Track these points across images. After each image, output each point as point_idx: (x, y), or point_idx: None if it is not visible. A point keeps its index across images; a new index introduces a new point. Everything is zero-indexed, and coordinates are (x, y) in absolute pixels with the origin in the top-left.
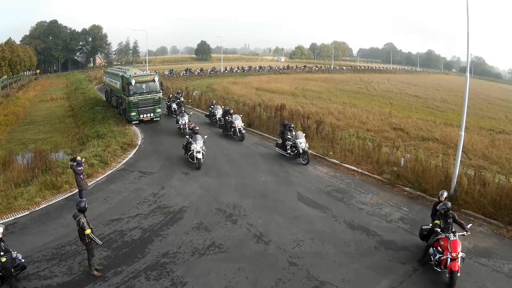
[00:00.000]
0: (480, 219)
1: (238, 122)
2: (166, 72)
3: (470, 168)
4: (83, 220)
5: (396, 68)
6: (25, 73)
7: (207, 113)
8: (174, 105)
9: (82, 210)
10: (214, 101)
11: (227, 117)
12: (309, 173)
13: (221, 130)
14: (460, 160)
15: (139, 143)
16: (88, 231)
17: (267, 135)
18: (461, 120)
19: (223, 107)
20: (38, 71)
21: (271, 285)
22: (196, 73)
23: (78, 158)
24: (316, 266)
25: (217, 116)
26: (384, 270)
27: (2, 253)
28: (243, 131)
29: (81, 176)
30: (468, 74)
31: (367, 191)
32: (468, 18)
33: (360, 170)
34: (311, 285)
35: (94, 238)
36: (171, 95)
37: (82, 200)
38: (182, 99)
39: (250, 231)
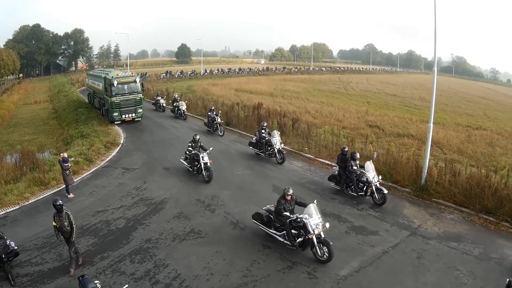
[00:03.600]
0: (451, 208)
1: (372, 175)
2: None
3: (443, 161)
4: (54, 214)
5: (376, 68)
6: (8, 77)
7: (253, 141)
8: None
9: (54, 206)
10: (265, 124)
11: (352, 164)
12: (284, 167)
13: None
14: (435, 155)
15: (121, 142)
16: (54, 223)
17: (244, 133)
18: (437, 117)
19: (345, 148)
20: (21, 75)
21: (247, 265)
22: (176, 75)
23: (65, 155)
24: (289, 249)
25: (276, 147)
26: (354, 252)
27: None
28: (385, 192)
29: (67, 172)
30: (435, 68)
31: None
32: (436, 16)
33: (334, 164)
34: (284, 265)
35: (56, 233)
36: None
37: (56, 198)
38: (219, 119)
39: (227, 219)
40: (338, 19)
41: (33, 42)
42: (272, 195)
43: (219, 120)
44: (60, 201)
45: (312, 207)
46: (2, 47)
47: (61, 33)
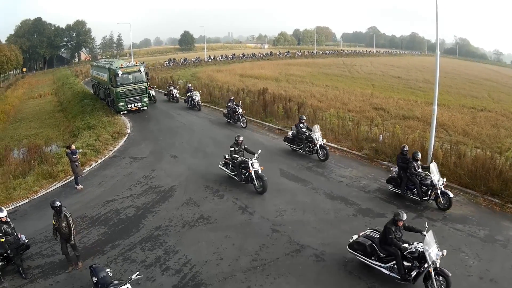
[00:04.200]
0: (456, 189)
1: (437, 178)
2: None
3: (448, 143)
4: (53, 214)
5: (379, 51)
6: (12, 72)
7: (289, 136)
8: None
9: (52, 208)
10: (304, 117)
11: (414, 166)
12: (290, 151)
13: None
14: (440, 137)
15: (128, 132)
16: (53, 222)
17: (251, 118)
18: (442, 98)
19: (404, 148)
20: (24, 69)
21: (256, 250)
22: (180, 63)
23: (73, 147)
24: (297, 232)
25: (319, 143)
26: None
27: (0, 234)
28: (451, 196)
29: (76, 163)
30: (438, 50)
31: (347, 165)
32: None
33: (340, 147)
34: (292, 248)
35: (54, 232)
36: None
37: (54, 199)
38: (240, 110)
39: (235, 204)
40: (340, 2)
41: (35, 35)
42: (280, 180)
43: (240, 110)
44: (58, 202)
45: (430, 235)
46: (4, 42)
47: (63, 26)
